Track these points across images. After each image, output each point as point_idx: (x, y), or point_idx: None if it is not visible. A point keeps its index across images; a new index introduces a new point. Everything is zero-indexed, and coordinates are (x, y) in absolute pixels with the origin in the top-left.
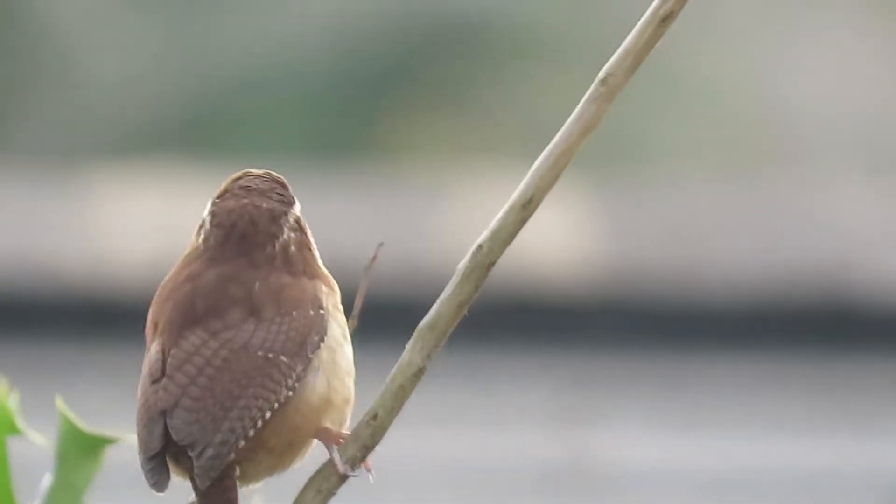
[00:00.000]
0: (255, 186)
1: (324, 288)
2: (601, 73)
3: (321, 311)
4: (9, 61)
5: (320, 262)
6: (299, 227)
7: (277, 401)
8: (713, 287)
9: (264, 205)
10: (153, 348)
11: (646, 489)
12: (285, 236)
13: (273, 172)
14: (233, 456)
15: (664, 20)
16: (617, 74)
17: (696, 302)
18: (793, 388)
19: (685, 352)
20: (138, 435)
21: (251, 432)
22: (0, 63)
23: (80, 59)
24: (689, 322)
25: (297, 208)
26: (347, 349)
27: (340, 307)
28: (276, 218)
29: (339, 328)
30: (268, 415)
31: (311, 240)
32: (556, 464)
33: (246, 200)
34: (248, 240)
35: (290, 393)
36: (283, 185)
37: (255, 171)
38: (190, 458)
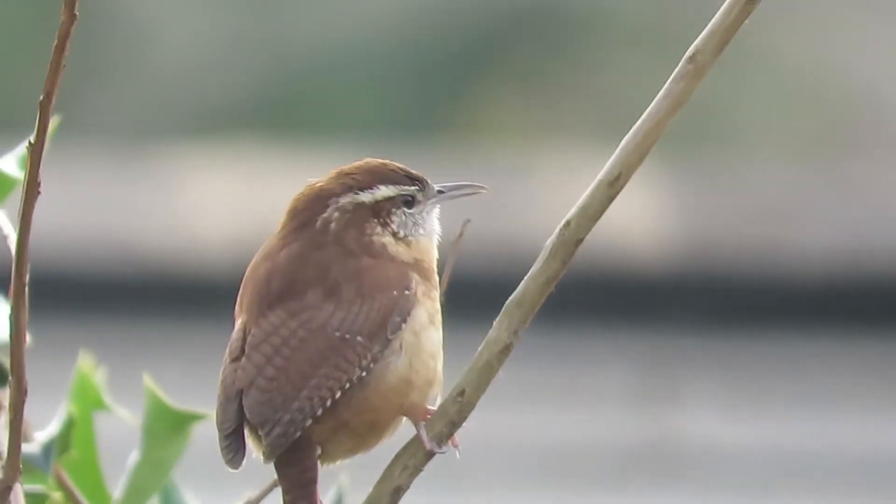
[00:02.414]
0: (340, 171)
1: (415, 276)
2: (689, 51)
3: (406, 293)
4: (88, 44)
5: (394, 248)
6: (353, 210)
7: (349, 381)
8: (794, 267)
9: (318, 184)
10: (237, 326)
11: (725, 468)
12: (327, 214)
13: (388, 162)
14: (298, 434)
15: None
16: (705, 52)
17: (776, 281)
18: (871, 367)
19: (766, 331)
20: (216, 413)
21: (319, 411)
22: (80, 46)
23: (157, 42)
24: (770, 301)
25: (365, 196)
26: (434, 333)
27: (434, 297)
28: (323, 198)
29: (425, 313)
30: (338, 394)
31: (381, 227)
32: (636, 442)
33: (314, 182)
34: (299, 218)
35: (364, 373)
36: (374, 172)
37: (373, 159)
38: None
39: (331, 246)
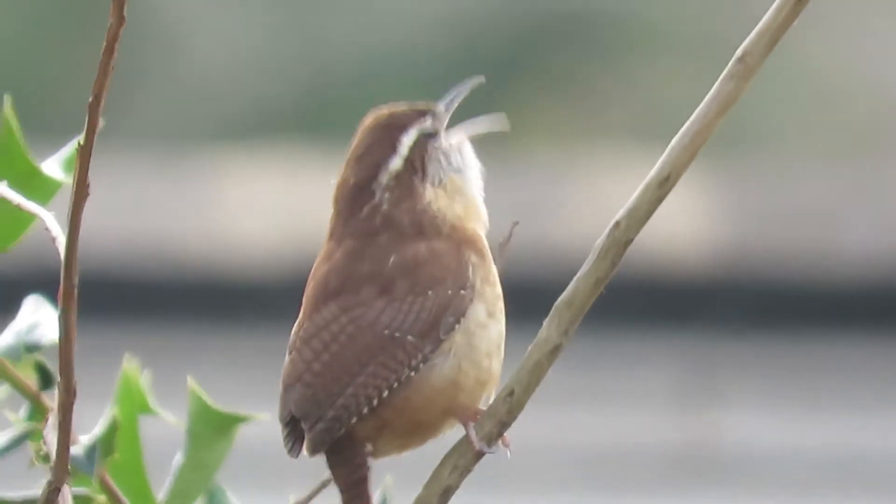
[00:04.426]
0: (355, 155)
1: (473, 258)
2: (738, 52)
3: (462, 292)
4: (129, 48)
5: (437, 208)
6: (396, 182)
7: (398, 380)
8: (836, 269)
9: (351, 180)
10: (297, 322)
11: (768, 470)
12: (376, 199)
13: (390, 110)
14: (343, 431)
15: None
16: (754, 53)
17: (819, 283)
18: None
19: (810, 334)
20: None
21: (365, 409)
22: (121, 49)
23: (198, 45)
24: (814, 304)
25: (395, 162)
26: (493, 329)
27: (493, 278)
28: (362, 188)
29: (483, 307)
30: (385, 393)
31: (421, 183)
32: (679, 444)
33: (342, 176)
34: (344, 214)
35: (413, 373)
36: (387, 130)
37: (369, 120)
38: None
39: (382, 232)
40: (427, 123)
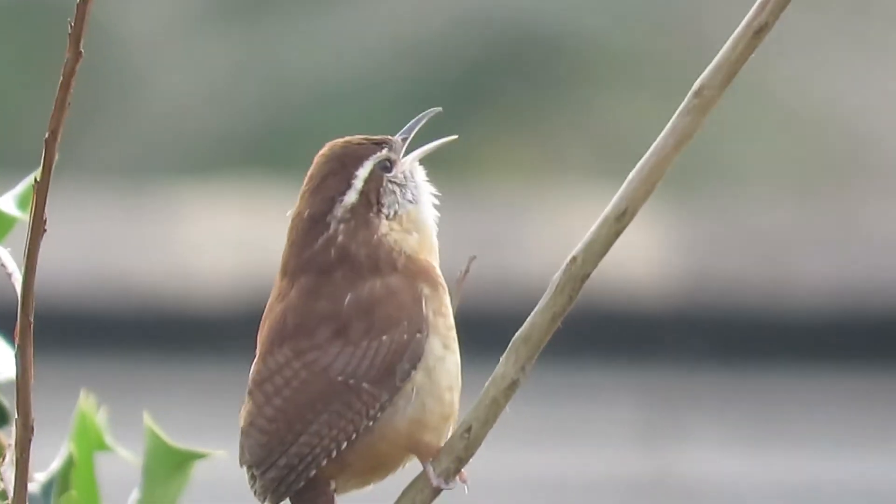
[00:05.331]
0: (310, 187)
1: (426, 290)
2: (695, 86)
3: (418, 335)
4: (86, 82)
5: (393, 240)
6: (352, 214)
7: (356, 431)
8: (797, 302)
9: (306, 212)
10: (254, 362)
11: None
12: (330, 231)
13: (346, 140)
14: (302, 483)
15: (758, 32)
16: (711, 86)
17: (779, 318)
18: (876, 402)
19: (769, 366)
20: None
21: (324, 462)
22: (78, 84)
23: (157, 78)
24: (774, 337)
25: (351, 195)
26: (450, 360)
27: (444, 309)
28: (317, 220)
29: (439, 340)
30: (344, 445)
31: (377, 217)
32: (640, 478)
33: (297, 208)
34: (298, 248)
35: (371, 423)
36: (343, 160)
37: (325, 151)
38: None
39: (338, 267)
40: (382, 154)
